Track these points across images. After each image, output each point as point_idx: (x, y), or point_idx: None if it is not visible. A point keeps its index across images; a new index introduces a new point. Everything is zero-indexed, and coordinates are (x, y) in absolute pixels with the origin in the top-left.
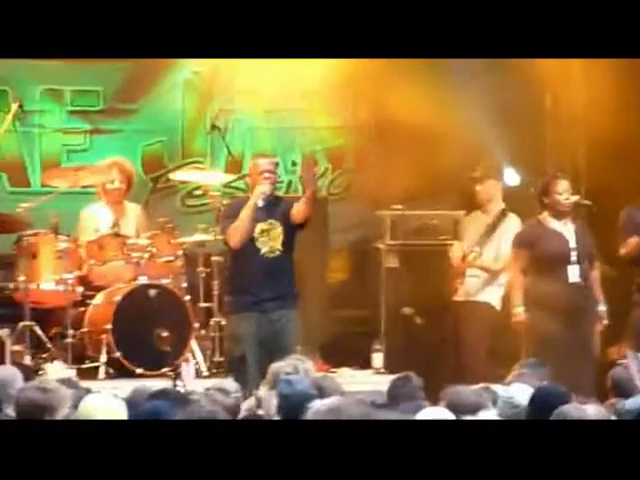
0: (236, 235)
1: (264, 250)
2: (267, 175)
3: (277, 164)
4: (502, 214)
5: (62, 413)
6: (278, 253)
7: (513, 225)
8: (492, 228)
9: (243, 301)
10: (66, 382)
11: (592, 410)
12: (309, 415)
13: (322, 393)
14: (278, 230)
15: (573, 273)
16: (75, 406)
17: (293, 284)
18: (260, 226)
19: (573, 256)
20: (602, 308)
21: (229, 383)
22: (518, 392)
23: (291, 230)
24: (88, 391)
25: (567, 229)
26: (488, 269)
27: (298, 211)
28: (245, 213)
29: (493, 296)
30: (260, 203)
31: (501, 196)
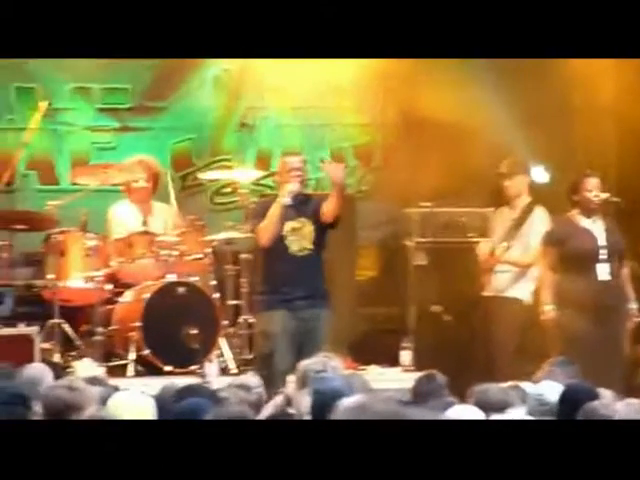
0: (265, 233)
1: (294, 248)
2: (295, 173)
3: (305, 162)
4: (529, 208)
5: (89, 412)
6: (308, 252)
7: (540, 218)
8: (519, 222)
9: (273, 299)
10: (94, 380)
11: (621, 407)
12: (337, 412)
13: (350, 391)
14: (308, 228)
15: (602, 271)
16: (103, 404)
17: (323, 283)
18: (290, 224)
19: (602, 254)
20: (633, 306)
21: (250, 378)
22: (548, 390)
23: (322, 228)
24: (116, 389)
25: (596, 226)
26: (516, 263)
27: (327, 209)
28: (273, 211)
29: (523, 291)
30: (288, 201)
31: (527, 190)
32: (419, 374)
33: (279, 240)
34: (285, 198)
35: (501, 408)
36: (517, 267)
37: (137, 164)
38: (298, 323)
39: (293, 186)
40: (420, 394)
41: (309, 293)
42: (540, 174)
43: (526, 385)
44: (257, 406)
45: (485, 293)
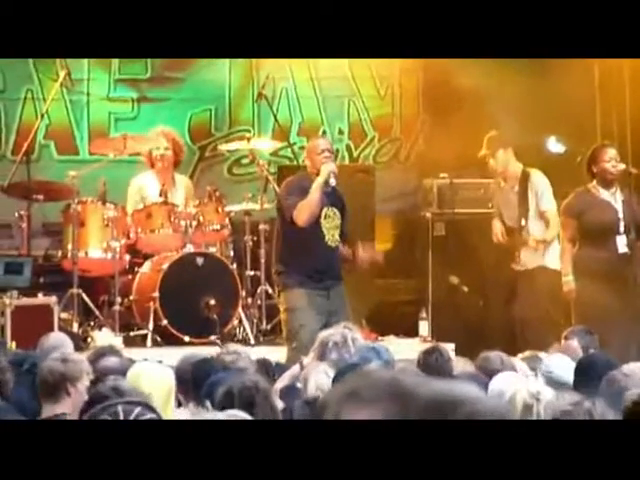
0: (306, 212)
1: (327, 237)
2: (328, 154)
3: (332, 145)
4: (525, 176)
5: (83, 384)
6: (337, 244)
7: (542, 180)
8: (523, 193)
9: (302, 280)
10: (110, 350)
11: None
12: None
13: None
14: (338, 221)
15: (621, 243)
16: (122, 375)
17: (340, 271)
18: (325, 211)
19: (621, 226)
20: None
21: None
22: (556, 365)
23: (345, 223)
24: (131, 361)
25: (615, 198)
26: (545, 240)
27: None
28: (315, 192)
29: (552, 259)
30: (334, 182)
31: (514, 158)
32: (427, 346)
33: (315, 225)
34: (331, 179)
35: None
36: (545, 244)
37: (159, 134)
38: (324, 301)
39: (330, 166)
40: (426, 368)
41: (331, 282)
42: (558, 146)
43: (544, 355)
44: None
45: (519, 268)
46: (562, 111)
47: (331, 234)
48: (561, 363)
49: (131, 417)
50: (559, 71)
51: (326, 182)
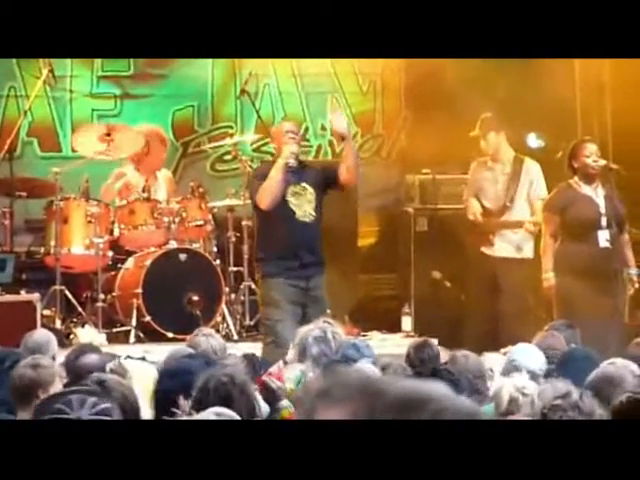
0: (267, 195)
1: (299, 213)
2: (290, 135)
3: (300, 127)
4: (518, 161)
5: (55, 388)
6: (310, 218)
7: (536, 170)
8: (515, 177)
9: (279, 265)
10: (90, 348)
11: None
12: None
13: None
14: (310, 195)
15: (603, 237)
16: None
17: (321, 251)
18: (292, 189)
19: (603, 221)
20: (633, 271)
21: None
22: (520, 352)
23: (321, 196)
24: (112, 357)
25: (597, 193)
26: (537, 224)
27: (347, 170)
28: (274, 172)
29: (526, 248)
30: (292, 162)
31: (507, 142)
32: (415, 340)
33: (282, 204)
34: (288, 159)
35: (478, 376)
36: (530, 229)
37: (151, 133)
38: (303, 291)
39: (292, 147)
40: (417, 362)
41: (313, 261)
42: (537, 142)
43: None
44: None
45: (490, 253)
46: (543, 108)
47: (303, 210)
48: (525, 351)
49: (84, 407)
50: (540, 69)
51: (286, 163)
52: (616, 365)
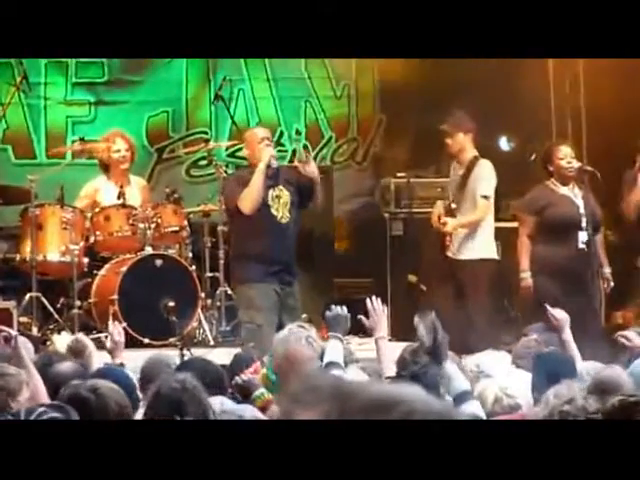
0: (250, 200)
1: (279, 216)
2: (266, 142)
3: (273, 132)
4: (473, 162)
5: (24, 396)
6: (287, 220)
7: (484, 168)
8: (465, 177)
9: (259, 269)
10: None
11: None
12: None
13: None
14: (286, 197)
15: (582, 239)
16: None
17: (294, 257)
18: (271, 192)
19: (583, 222)
20: (607, 270)
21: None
22: (484, 361)
23: (297, 198)
24: (82, 365)
25: (575, 194)
26: (469, 224)
27: (314, 204)
28: (257, 178)
29: (482, 249)
30: (275, 164)
31: (472, 146)
32: (398, 343)
33: (265, 208)
34: (269, 162)
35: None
36: (470, 227)
37: (114, 135)
38: (280, 297)
39: (271, 150)
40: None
41: (290, 263)
42: (507, 144)
43: (503, 354)
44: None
45: (451, 256)
46: (517, 110)
47: (282, 212)
48: (488, 359)
49: (32, 417)
50: (514, 70)
51: (268, 166)
52: (614, 369)
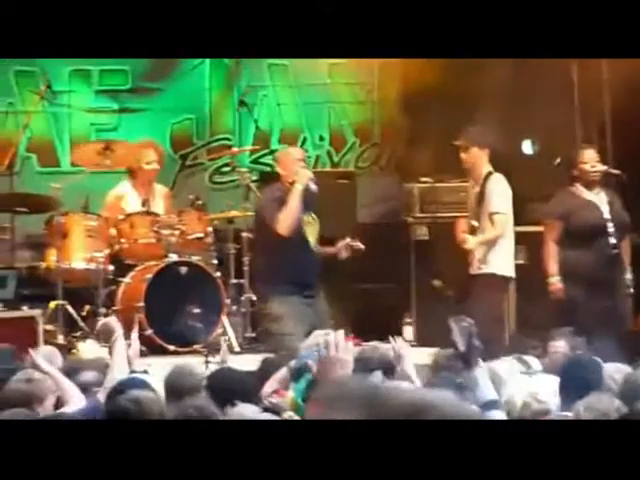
0: (289, 221)
1: (311, 242)
2: (301, 164)
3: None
4: (487, 178)
5: (49, 402)
6: (316, 250)
7: (497, 184)
8: (481, 195)
9: (286, 289)
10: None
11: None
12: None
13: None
14: (317, 226)
15: (608, 243)
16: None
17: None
18: (305, 218)
19: (609, 227)
20: (628, 277)
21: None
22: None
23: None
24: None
25: (600, 199)
26: (489, 241)
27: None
28: (295, 199)
29: (498, 265)
30: (315, 188)
31: (487, 160)
32: (424, 349)
33: (299, 232)
34: (311, 185)
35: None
36: (489, 244)
37: (146, 146)
38: (308, 310)
39: (308, 172)
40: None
41: (312, 283)
42: (525, 147)
43: (529, 358)
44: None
45: (471, 271)
46: (541, 113)
47: (313, 240)
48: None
49: None
50: (538, 72)
51: (306, 188)
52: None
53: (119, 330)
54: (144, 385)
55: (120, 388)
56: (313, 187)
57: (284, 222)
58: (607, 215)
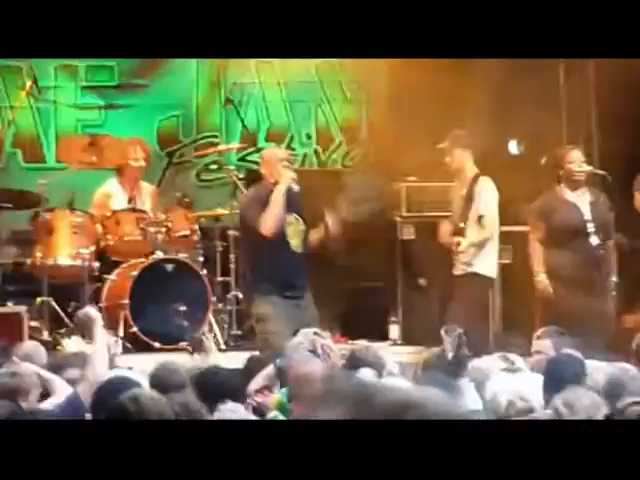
0: (271, 221)
1: (292, 244)
2: (287, 164)
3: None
4: (474, 180)
5: (34, 395)
6: (302, 250)
7: (485, 187)
8: (469, 197)
9: (272, 289)
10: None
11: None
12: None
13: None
14: (301, 227)
15: (590, 244)
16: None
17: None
18: (288, 218)
19: (589, 227)
20: (612, 279)
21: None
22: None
23: (307, 230)
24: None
25: (583, 200)
26: (479, 243)
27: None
28: (277, 199)
29: (482, 265)
30: (297, 188)
31: (472, 162)
32: (409, 347)
33: (281, 232)
34: (293, 185)
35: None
36: (480, 245)
37: (136, 143)
38: (295, 310)
39: (292, 174)
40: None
41: (298, 284)
42: (511, 147)
43: (514, 357)
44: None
45: (455, 272)
46: (528, 113)
47: (295, 241)
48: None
49: None
50: (525, 72)
51: (289, 189)
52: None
53: (99, 320)
54: (137, 384)
55: (114, 386)
56: (296, 188)
57: (266, 223)
58: (588, 216)
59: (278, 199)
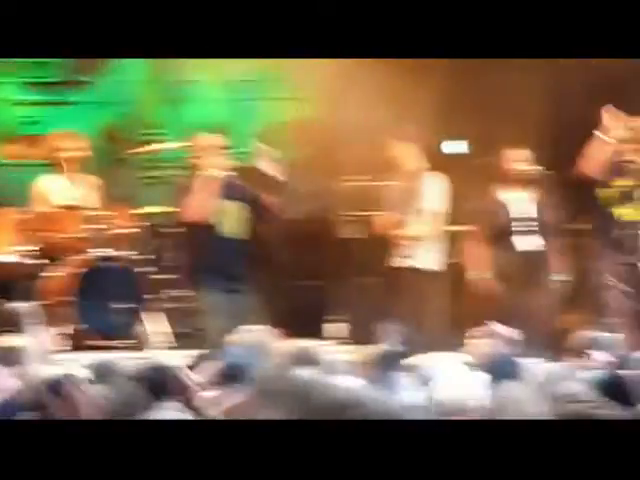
0: (194, 208)
1: (226, 229)
2: (218, 151)
3: (225, 140)
4: (418, 174)
5: None
6: (237, 234)
7: (431, 183)
8: (415, 191)
9: (208, 278)
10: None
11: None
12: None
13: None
14: (235, 211)
15: (521, 243)
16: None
17: (244, 267)
18: (221, 205)
19: (516, 226)
20: (554, 278)
21: None
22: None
23: (245, 214)
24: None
25: (520, 199)
26: (416, 237)
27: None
28: (201, 185)
29: (423, 260)
30: (220, 174)
31: (417, 157)
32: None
33: (211, 219)
34: (217, 173)
35: None
36: (418, 240)
37: (62, 135)
38: (232, 303)
39: (220, 160)
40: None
41: (235, 274)
42: (462, 147)
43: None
44: None
45: (392, 264)
46: (473, 112)
47: (229, 226)
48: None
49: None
50: (472, 73)
51: (226, 177)
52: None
53: (30, 316)
54: (75, 381)
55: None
56: (221, 173)
57: (187, 209)
58: (516, 215)
59: (201, 185)
